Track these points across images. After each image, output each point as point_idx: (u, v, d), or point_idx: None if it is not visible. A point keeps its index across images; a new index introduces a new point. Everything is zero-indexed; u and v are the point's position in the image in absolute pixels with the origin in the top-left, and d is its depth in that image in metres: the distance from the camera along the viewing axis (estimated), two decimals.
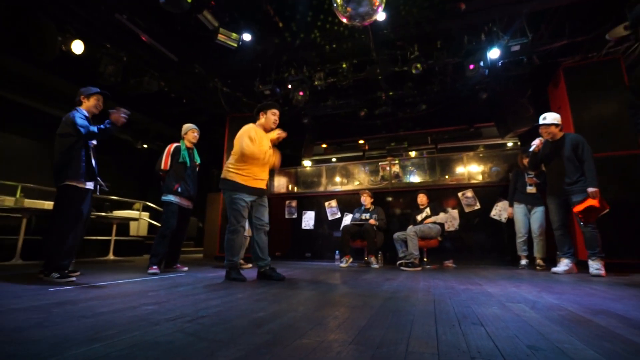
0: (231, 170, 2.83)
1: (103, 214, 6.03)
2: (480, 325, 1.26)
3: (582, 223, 3.15)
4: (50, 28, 3.65)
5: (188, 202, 3.66)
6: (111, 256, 5.47)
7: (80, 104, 2.86)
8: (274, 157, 3.04)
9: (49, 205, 5.67)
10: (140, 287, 2.25)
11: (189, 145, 3.72)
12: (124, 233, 6.44)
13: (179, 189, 3.51)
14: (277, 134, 2.99)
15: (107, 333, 1.10)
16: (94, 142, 2.90)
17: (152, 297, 1.86)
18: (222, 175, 2.88)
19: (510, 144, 7.34)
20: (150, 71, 4.81)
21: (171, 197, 3.49)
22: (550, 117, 3.44)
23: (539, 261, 3.86)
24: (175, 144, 3.66)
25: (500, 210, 4.81)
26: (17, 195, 4.89)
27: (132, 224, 6.94)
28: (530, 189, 4.02)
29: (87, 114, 2.81)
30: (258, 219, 2.98)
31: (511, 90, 5.19)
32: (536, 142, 3.48)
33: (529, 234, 4.01)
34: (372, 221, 4.60)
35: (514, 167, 4.47)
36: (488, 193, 4.98)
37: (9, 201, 4.93)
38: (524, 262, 4.01)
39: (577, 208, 3.11)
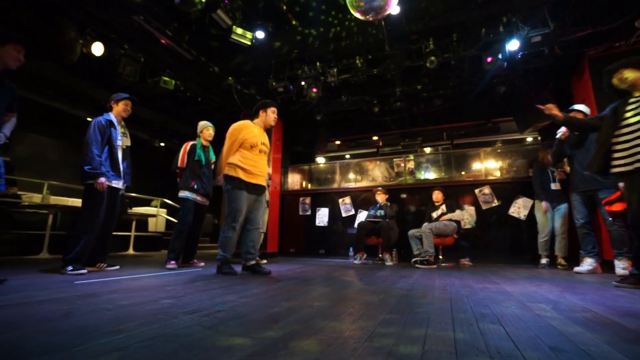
0: (233, 165, 2.90)
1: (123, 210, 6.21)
2: (499, 325, 1.23)
3: (610, 219, 3.00)
4: (73, 31, 3.77)
5: (204, 198, 3.73)
6: (131, 251, 5.64)
7: (110, 109, 3.05)
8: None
9: (72, 202, 5.90)
10: (159, 282, 2.31)
11: (204, 143, 3.78)
12: (143, 229, 6.62)
13: (195, 186, 3.59)
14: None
15: (128, 325, 1.14)
16: (120, 142, 3.01)
17: (171, 291, 1.91)
18: (225, 172, 2.94)
19: (530, 139, 7.11)
20: (166, 70, 4.90)
21: (187, 194, 3.57)
22: (579, 106, 3.31)
23: (560, 260, 3.74)
24: (191, 142, 3.74)
25: (519, 208, 4.68)
26: (44, 192, 5.10)
27: (151, 220, 7.13)
28: (555, 186, 3.89)
29: (112, 119, 2.98)
30: (253, 221, 3.01)
31: (531, 83, 5.02)
32: (562, 130, 3.31)
33: (551, 233, 3.89)
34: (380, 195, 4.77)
35: (535, 162, 4.32)
36: (506, 190, 4.86)
37: (36, 198, 5.15)
38: (544, 261, 3.89)
39: (616, 207, 2.89)
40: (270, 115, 3.09)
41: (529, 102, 5.09)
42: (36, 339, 0.97)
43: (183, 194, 3.59)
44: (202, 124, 3.83)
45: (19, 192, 5.15)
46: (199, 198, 3.66)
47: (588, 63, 4.04)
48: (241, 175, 2.88)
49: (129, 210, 6.20)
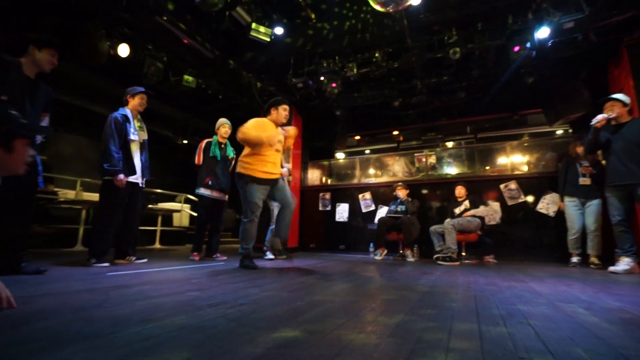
0: (243, 164, 2.94)
1: (150, 205, 6.47)
2: (528, 325, 1.18)
3: None
4: (101, 34, 3.93)
5: (219, 193, 3.82)
6: (157, 245, 5.86)
7: (126, 103, 3.07)
8: (286, 143, 3.17)
9: None
10: (184, 275, 2.40)
11: (221, 140, 3.88)
12: (168, 224, 6.86)
13: (209, 183, 3.71)
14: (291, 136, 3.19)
15: (157, 315, 1.18)
16: (134, 137, 3.01)
17: (195, 284, 1.97)
18: (237, 170, 2.98)
19: (559, 132, 6.77)
20: (188, 69, 5.02)
21: (202, 190, 3.72)
22: (619, 95, 3.09)
23: (593, 259, 3.56)
24: (206, 140, 3.88)
25: (547, 204, 4.49)
26: (77, 189, 5.37)
27: (175, 216, 7.36)
28: (584, 180, 3.68)
29: (127, 113, 2.99)
30: (282, 199, 3.08)
31: (562, 72, 4.77)
32: (599, 117, 3.04)
33: (582, 230, 3.70)
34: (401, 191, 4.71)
35: (565, 156, 4.12)
36: (534, 185, 4.67)
37: (70, 194, 5.43)
38: (575, 259, 3.71)
39: None
40: (282, 112, 3.07)
41: (559, 93, 4.84)
42: (76, 325, 1.04)
43: (198, 190, 3.74)
44: (220, 121, 3.94)
45: (55, 189, 5.46)
46: (214, 194, 3.77)
47: (627, 50, 3.79)
48: (253, 173, 2.90)
49: (154, 206, 6.44)
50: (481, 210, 4.32)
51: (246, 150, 2.98)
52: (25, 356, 0.78)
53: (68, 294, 1.56)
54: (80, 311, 1.22)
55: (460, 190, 4.51)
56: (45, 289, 1.65)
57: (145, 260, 3.21)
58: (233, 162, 4.00)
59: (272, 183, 3.03)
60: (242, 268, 2.86)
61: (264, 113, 3.13)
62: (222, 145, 3.88)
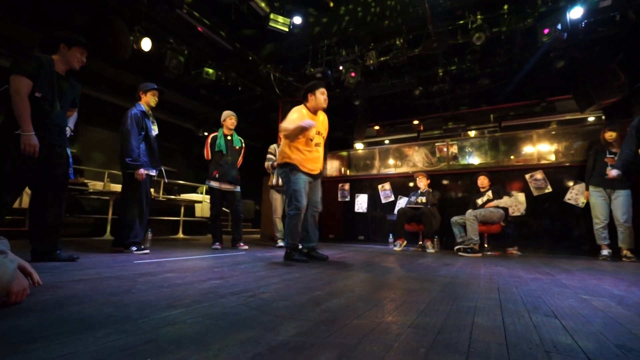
0: (284, 155, 2.87)
1: (172, 196, 6.68)
2: (555, 318, 1.14)
3: None
4: (125, 30, 4.03)
5: (229, 185, 3.87)
6: (181, 235, 6.06)
7: (139, 99, 3.15)
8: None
9: None
10: (207, 263, 2.47)
11: (226, 131, 3.94)
12: (191, 214, 7.07)
13: (217, 175, 3.79)
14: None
15: (182, 302, 1.23)
16: (153, 132, 3.12)
17: (218, 272, 2.03)
18: (278, 162, 2.94)
19: (591, 119, 6.41)
20: (208, 62, 5.07)
21: (212, 183, 3.83)
22: None
23: (626, 252, 3.39)
24: (212, 135, 3.94)
25: (576, 194, 4.29)
26: (105, 180, 5.60)
27: (197, 206, 7.57)
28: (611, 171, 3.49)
29: (144, 109, 3.08)
30: (311, 198, 2.97)
31: (596, 55, 4.48)
32: None
33: (610, 220, 3.53)
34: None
35: (595, 144, 3.90)
36: (562, 175, 4.46)
37: (99, 186, 5.68)
38: (605, 252, 3.55)
39: None
40: (320, 97, 2.85)
41: (592, 77, 4.56)
42: (107, 310, 1.09)
43: (208, 183, 3.85)
44: (225, 113, 3.99)
45: (85, 181, 5.72)
46: (223, 186, 3.84)
47: None
48: (296, 163, 2.81)
49: (177, 197, 6.63)
50: (505, 200, 4.18)
51: (284, 143, 2.87)
52: (62, 337, 0.82)
53: (99, 280, 1.64)
54: (110, 296, 1.29)
55: (483, 181, 4.38)
56: (78, 275, 1.75)
57: (147, 251, 3.05)
58: (242, 151, 4.04)
59: (313, 177, 2.94)
60: (289, 261, 2.72)
61: (302, 100, 2.93)
62: (229, 137, 3.93)
